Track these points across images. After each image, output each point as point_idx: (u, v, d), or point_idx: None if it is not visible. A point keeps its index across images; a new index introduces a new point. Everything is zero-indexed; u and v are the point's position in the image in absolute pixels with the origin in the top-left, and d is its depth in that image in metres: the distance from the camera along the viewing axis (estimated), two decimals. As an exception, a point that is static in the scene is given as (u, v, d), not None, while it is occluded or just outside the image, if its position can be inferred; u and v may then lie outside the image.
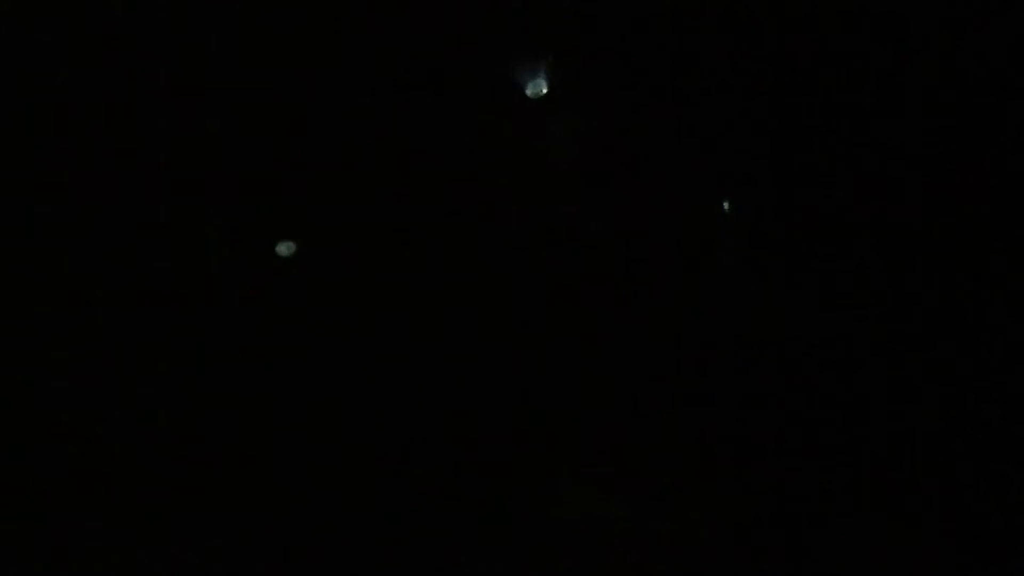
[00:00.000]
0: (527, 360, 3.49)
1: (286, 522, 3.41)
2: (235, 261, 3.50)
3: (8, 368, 3.42)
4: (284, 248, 3.41)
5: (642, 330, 3.50)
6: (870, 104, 3.50)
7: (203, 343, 3.47)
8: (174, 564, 3.38)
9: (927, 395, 3.43)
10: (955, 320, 3.45)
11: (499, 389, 3.48)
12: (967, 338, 3.43)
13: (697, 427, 3.46)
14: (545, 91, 3.40)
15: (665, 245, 3.52)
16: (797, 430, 3.44)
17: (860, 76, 3.50)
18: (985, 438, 3.40)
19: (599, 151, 3.54)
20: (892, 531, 3.38)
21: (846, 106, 3.51)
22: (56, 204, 3.46)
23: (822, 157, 3.50)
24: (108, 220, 3.47)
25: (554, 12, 3.51)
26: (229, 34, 3.49)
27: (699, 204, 3.52)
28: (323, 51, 3.48)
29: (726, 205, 3.42)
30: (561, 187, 3.53)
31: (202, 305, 3.48)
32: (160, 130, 3.48)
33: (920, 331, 3.46)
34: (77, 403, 3.43)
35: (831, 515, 3.40)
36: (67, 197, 3.47)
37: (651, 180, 3.53)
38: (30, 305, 3.45)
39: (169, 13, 3.47)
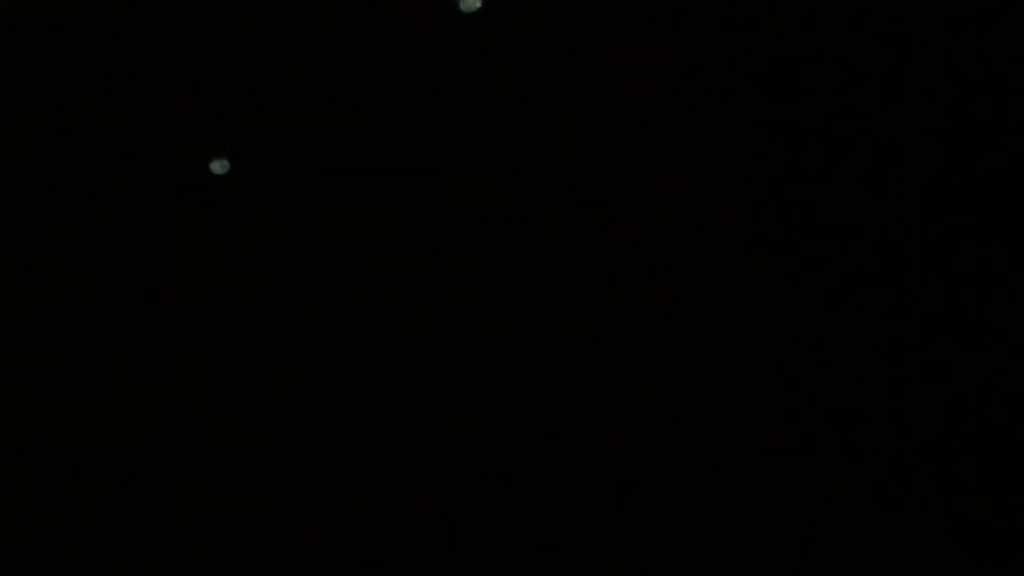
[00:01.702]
0: (520, 357, 3.50)
1: (284, 521, 3.42)
2: (234, 258, 3.50)
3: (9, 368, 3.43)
4: (218, 167, 3.37)
5: (640, 329, 3.50)
6: (870, 104, 3.51)
7: (202, 341, 3.48)
8: (174, 564, 3.39)
9: (927, 395, 3.44)
10: (955, 320, 3.45)
11: (494, 388, 3.49)
12: (967, 338, 3.44)
13: (696, 427, 3.46)
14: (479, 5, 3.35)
15: (661, 240, 3.52)
16: (797, 430, 3.45)
17: (860, 76, 3.51)
18: (985, 438, 3.41)
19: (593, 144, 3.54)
20: (892, 531, 3.39)
21: (846, 106, 3.51)
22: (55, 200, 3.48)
23: (822, 157, 3.51)
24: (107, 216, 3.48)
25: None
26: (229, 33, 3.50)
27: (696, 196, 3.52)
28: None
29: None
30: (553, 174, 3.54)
31: (201, 303, 3.49)
32: (160, 128, 3.49)
33: (920, 331, 3.47)
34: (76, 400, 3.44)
35: (831, 515, 3.41)
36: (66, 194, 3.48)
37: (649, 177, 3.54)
38: (30, 304, 3.46)
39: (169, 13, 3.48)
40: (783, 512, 3.41)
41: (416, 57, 3.52)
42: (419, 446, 3.47)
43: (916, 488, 3.41)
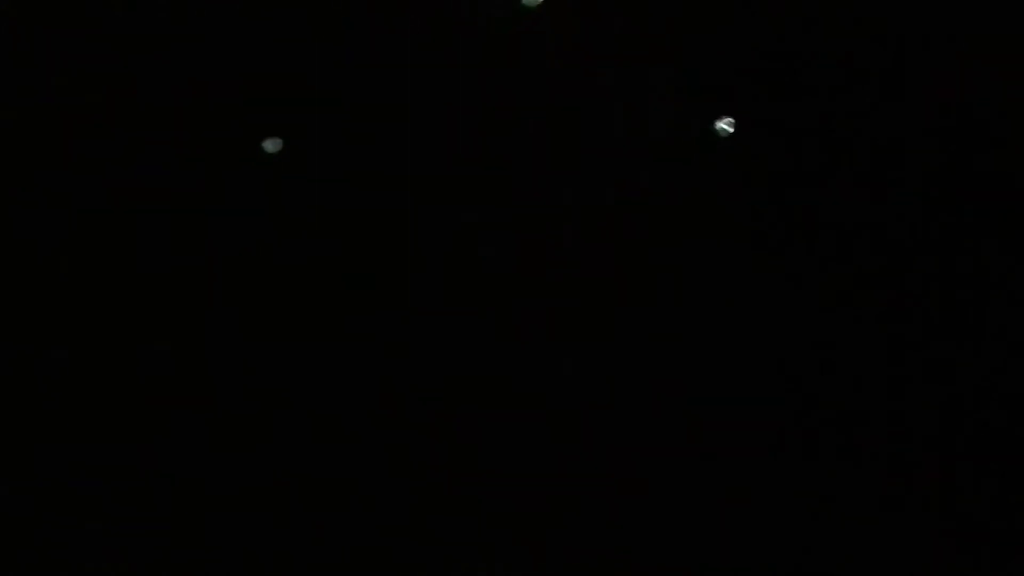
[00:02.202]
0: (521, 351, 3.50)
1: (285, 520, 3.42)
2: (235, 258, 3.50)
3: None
4: (271, 144, 3.36)
5: (641, 328, 3.50)
6: (870, 104, 3.51)
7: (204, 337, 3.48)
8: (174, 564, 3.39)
9: (927, 395, 3.44)
10: (955, 320, 3.45)
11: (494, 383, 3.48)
12: (967, 338, 3.44)
13: (697, 427, 3.46)
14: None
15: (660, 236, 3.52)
16: (797, 430, 3.45)
17: (860, 76, 3.51)
18: (985, 438, 3.40)
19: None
20: (892, 531, 3.38)
21: (846, 106, 3.51)
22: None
23: (822, 156, 3.51)
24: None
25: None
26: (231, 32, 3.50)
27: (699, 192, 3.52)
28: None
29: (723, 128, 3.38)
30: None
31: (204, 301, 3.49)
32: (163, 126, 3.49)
33: (920, 331, 3.46)
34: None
35: (830, 515, 3.40)
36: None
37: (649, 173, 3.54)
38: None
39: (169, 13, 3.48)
40: (783, 512, 3.41)
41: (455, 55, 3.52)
42: (419, 446, 3.47)
43: (916, 488, 3.40)
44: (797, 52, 3.52)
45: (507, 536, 3.41)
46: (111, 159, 3.48)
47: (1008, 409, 3.40)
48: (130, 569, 3.36)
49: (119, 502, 3.39)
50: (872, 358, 3.45)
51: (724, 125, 3.37)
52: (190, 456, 3.42)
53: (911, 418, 3.42)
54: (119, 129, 3.48)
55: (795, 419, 3.44)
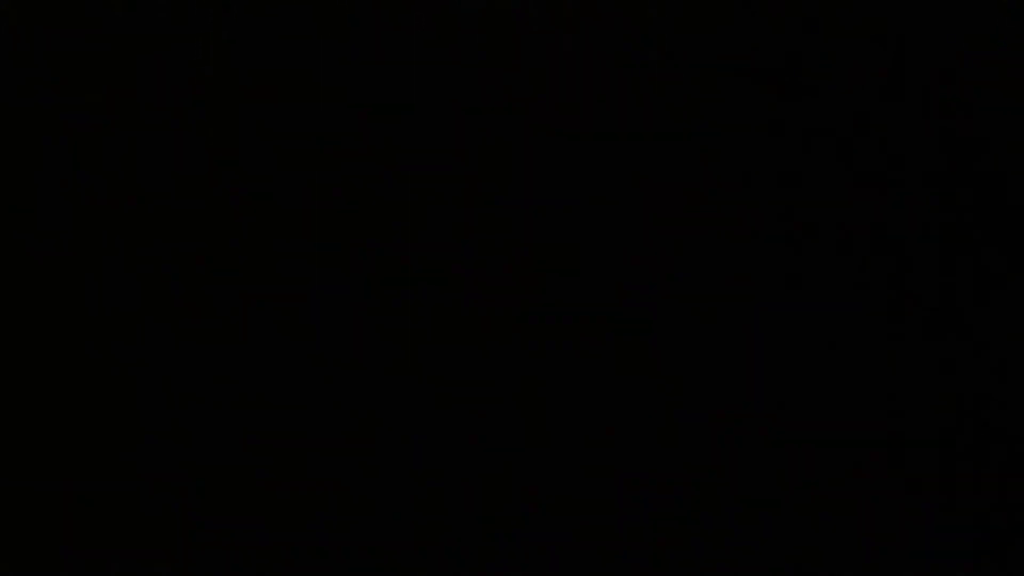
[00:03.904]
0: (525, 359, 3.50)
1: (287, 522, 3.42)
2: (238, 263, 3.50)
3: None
4: None
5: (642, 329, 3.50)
6: (870, 104, 3.51)
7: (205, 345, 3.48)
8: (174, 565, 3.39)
9: (927, 395, 3.44)
10: (955, 320, 3.45)
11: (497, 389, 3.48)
12: (967, 338, 3.44)
13: (696, 428, 3.46)
14: None
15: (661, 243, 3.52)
16: (798, 430, 3.45)
17: (860, 77, 3.51)
18: (985, 438, 3.40)
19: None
20: (892, 531, 3.38)
21: (846, 106, 3.51)
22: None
23: (823, 157, 3.51)
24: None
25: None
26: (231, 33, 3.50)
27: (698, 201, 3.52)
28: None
29: None
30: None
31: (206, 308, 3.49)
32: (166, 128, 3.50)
33: (920, 331, 3.46)
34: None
35: (831, 515, 3.40)
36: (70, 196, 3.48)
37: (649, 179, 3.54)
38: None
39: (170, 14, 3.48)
40: (783, 512, 3.41)
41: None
42: (420, 447, 3.47)
43: (916, 488, 3.40)
44: (797, 52, 3.52)
45: (506, 536, 3.42)
46: (111, 159, 3.49)
47: (1008, 409, 3.40)
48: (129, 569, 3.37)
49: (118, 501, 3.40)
50: (871, 358, 3.46)
51: None
52: (189, 455, 3.43)
53: (911, 418, 3.43)
54: (119, 129, 3.49)
55: (795, 419, 3.45)
